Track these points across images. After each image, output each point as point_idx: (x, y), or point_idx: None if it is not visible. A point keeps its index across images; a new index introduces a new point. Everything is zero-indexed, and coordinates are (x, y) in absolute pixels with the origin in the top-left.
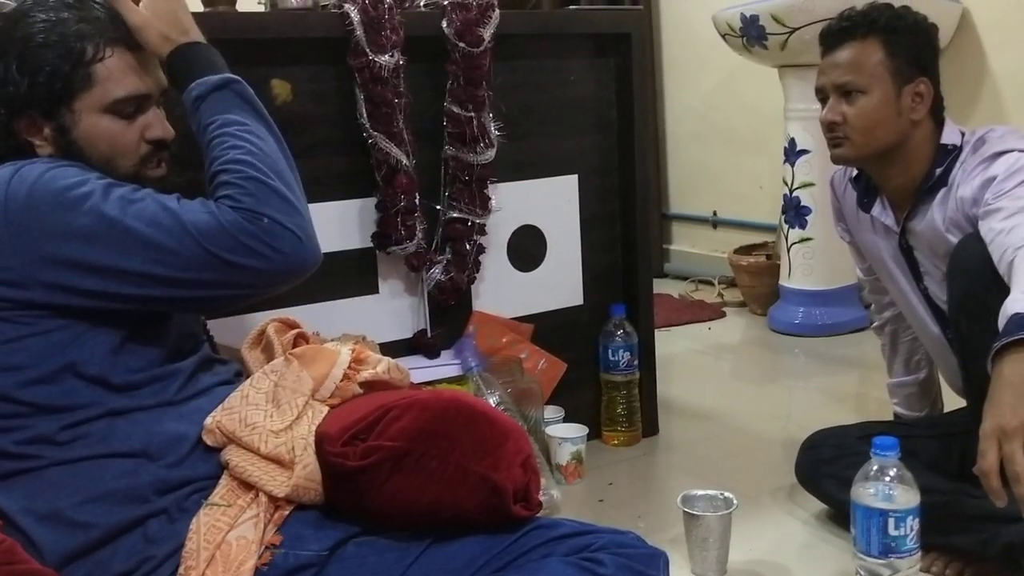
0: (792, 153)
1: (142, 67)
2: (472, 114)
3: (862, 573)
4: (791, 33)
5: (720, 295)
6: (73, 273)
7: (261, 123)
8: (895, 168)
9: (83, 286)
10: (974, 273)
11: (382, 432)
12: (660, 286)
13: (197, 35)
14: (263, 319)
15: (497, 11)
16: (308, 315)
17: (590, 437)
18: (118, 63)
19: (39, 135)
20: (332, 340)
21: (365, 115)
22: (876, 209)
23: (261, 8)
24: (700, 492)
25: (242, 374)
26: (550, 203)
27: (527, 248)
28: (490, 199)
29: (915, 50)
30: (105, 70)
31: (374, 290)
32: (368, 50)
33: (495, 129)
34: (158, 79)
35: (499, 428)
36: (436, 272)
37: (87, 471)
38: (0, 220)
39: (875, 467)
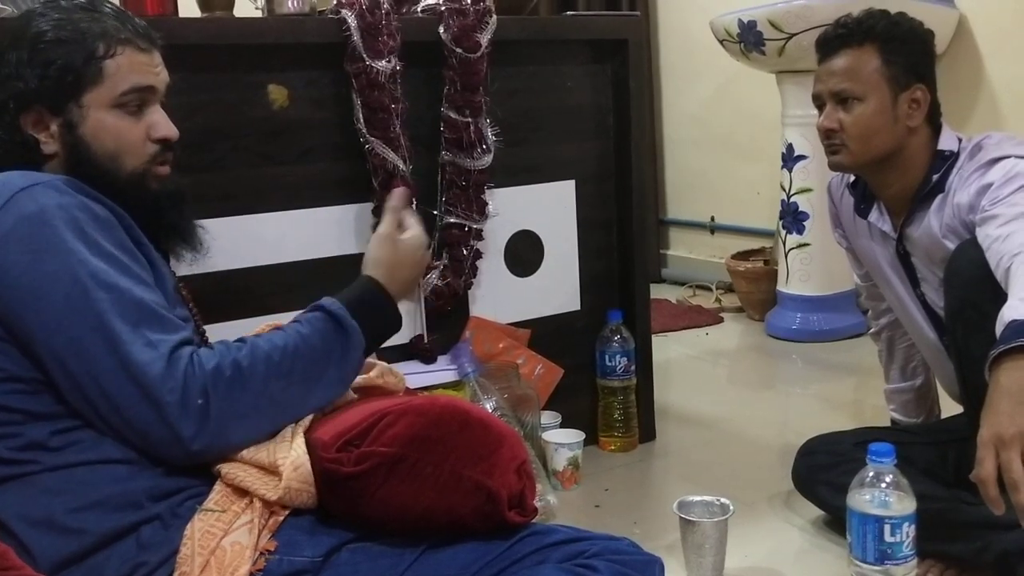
0: (790, 159)
1: (150, 65)
2: (469, 119)
3: None
4: (789, 39)
5: (717, 301)
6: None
7: (324, 349)
8: (892, 175)
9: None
10: (971, 280)
11: (376, 438)
12: (657, 291)
13: (389, 283)
14: (257, 324)
15: (494, 17)
16: None
17: (587, 443)
18: (127, 60)
19: (45, 131)
20: None
21: (362, 120)
22: (873, 215)
23: (258, 13)
24: (696, 498)
25: None
26: (547, 208)
27: (524, 253)
28: (487, 204)
29: (912, 57)
30: (115, 65)
31: None
32: (365, 55)
33: (492, 134)
34: (164, 78)
35: (494, 434)
36: (433, 277)
37: (81, 477)
38: None
39: (871, 473)
